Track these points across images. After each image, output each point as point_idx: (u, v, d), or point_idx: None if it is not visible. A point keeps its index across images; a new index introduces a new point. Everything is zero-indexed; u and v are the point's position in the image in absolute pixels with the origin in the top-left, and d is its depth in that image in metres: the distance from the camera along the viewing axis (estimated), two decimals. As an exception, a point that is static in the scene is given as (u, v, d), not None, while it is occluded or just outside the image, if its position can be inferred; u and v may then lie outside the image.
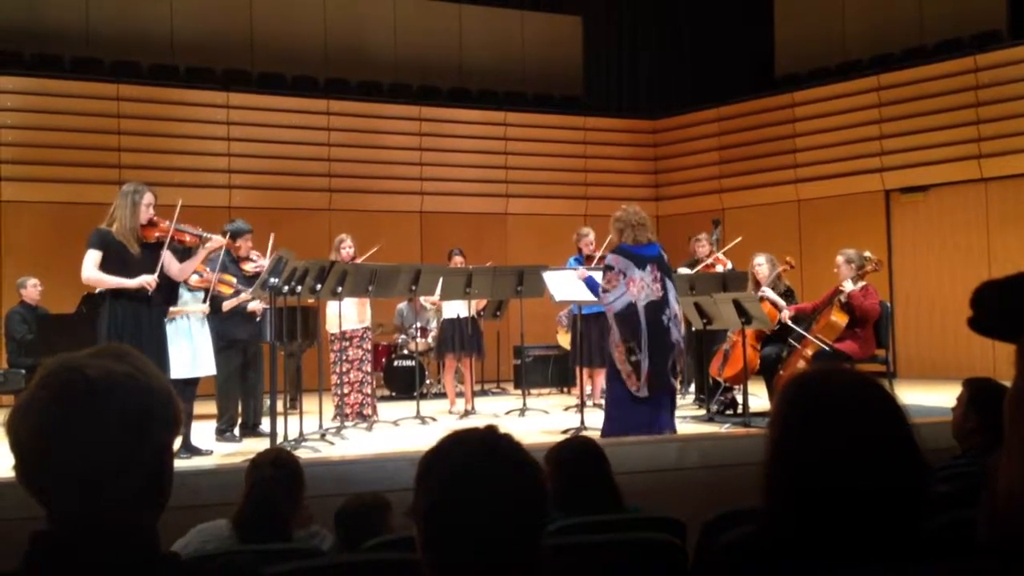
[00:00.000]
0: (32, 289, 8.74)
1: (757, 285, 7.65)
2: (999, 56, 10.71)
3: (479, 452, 1.33)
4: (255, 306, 6.84)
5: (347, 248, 7.77)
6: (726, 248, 8.87)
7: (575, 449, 3.02)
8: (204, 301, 6.55)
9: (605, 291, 6.28)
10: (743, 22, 14.09)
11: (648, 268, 6.20)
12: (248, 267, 7.00)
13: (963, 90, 10.82)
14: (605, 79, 14.70)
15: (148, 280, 5.48)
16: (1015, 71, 10.50)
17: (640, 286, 6.17)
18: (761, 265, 7.67)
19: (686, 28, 14.40)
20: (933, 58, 11.36)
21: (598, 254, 7.78)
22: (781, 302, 7.49)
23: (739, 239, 8.95)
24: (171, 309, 6.29)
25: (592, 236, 8.44)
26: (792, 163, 12.25)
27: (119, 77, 11.32)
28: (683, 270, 8.47)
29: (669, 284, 6.26)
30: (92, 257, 5.47)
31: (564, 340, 9.81)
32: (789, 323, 7.23)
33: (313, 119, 11.96)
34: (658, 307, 6.17)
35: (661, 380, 6.17)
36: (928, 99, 11.06)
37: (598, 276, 6.61)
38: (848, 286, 7.01)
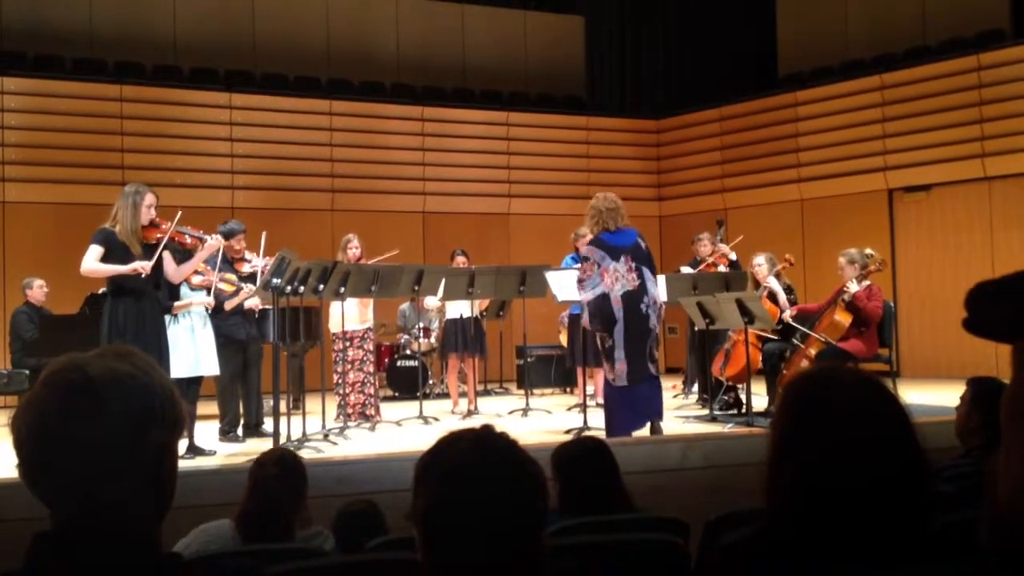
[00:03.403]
0: (38, 290, 8.77)
1: (757, 285, 7.66)
2: (1002, 55, 10.69)
3: (475, 452, 1.33)
4: (252, 303, 6.83)
5: (353, 249, 7.76)
6: (733, 243, 8.86)
7: (582, 449, 2.95)
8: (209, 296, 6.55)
9: (581, 281, 6.40)
10: (745, 21, 14.08)
11: (622, 259, 6.29)
12: (244, 268, 7.01)
13: (966, 89, 10.81)
14: (608, 79, 14.70)
15: (143, 266, 5.54)
16: (1018, 70, 10.49)
17: (615, 277, 6.26)
18: (760, 265, 7.68)
19: (688, 27, 14.39)
20: (936, 57, 11.35)
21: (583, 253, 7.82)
22: (783, 295, 7.50)
23: (740, 237, 8.94)
24: (175, 304, 6.32)
25: (590, 236, 8.44)
26: (795, 162, 12.24)
27: (122, 78, 11.34)
28: (686, 269, 8.47)
29: (646, 272, 6.34)
30: (94, 251, 5.57)
31: (567, 340, 9.81)
32: (792, 323, 7.23)
33: (316, 119, 11.97)
34: (635, 296, 6.26)
35: (640, 366, 6.24)
36: (931, 98, 11.05)
37: None
38: (853, 287, 7.00)
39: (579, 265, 6.57)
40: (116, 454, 1.19)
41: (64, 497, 1.20)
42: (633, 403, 6.27)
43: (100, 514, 1.19)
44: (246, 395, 6.99)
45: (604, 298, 6.27)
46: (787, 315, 7.29)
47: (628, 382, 6.23)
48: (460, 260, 8.84)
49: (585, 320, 6.49)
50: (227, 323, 6.81)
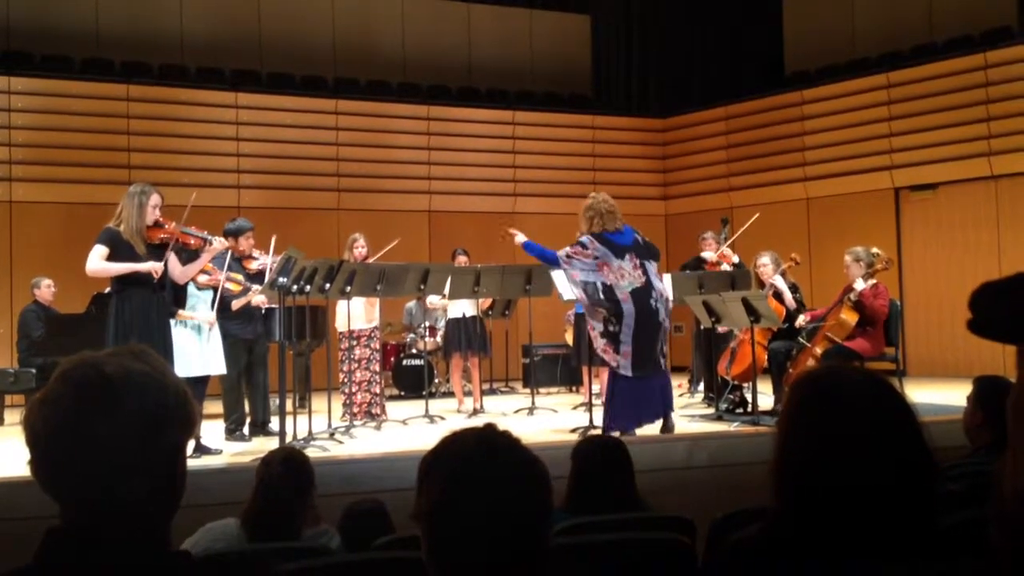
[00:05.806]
0: (46, 290, 8.81)
1: (762, 285, 7.65)
2: (1009, 53, 10.65)
3: (478, 451, 1.33)
4: (259, 300, 6.84)
5: (360, 248, 7.78)
6: (741, 230, 8.86)
7: (601, 447, 3.01)
8: (213, 301, 6.55)
9: (570, 257, 6.26)
10: (752, 20, 14.05)
11: (627, 257, 6.28)
12: (252, 265, 7.02)
13: (973, 87, 10.77)
14: (614, 78, 14.68)
15: (156, 266, 5.56)
16: (1026, 68, 10.45)
17: (620, 274, 6.23)
18: (766, 265, 7.68)
19: (695, 26, 14.36)
20: (943, 55, 11.31)
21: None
22: (789, 294, 7.49)
23: (756, 215, 8.93)
24: (180, 312, 6.31)
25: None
26: (801, 161, 12.22)
27: (129, 78, 11.36)
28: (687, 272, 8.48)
29: (649, 268, 6.33)
30: (98, 251, 5.58)
31: (572, 339, 9.80)
32: (806, 327, 7.21)
33: (322, 119, 11.98)
34: (644, 292, 6.26)
35: (649, 361, 6.24)
36: (938, 96, 11.01)
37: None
38: (859, 285, 7.00)
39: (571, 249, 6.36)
40: (130, 452, 1.19)
41: (77, 494, 1.20)
42: (637, 398, 6.26)
43: (112, 511, 1.19)
44: (252, 394, 7.01)
45: (609, 289, 6.22)
46: (801, 321, 7.27)
47: (634, 373, 6.21)
48: (461, 259, 8.85)
49: (582, 297, 6.32)
50: (234, 322, 6.82)
